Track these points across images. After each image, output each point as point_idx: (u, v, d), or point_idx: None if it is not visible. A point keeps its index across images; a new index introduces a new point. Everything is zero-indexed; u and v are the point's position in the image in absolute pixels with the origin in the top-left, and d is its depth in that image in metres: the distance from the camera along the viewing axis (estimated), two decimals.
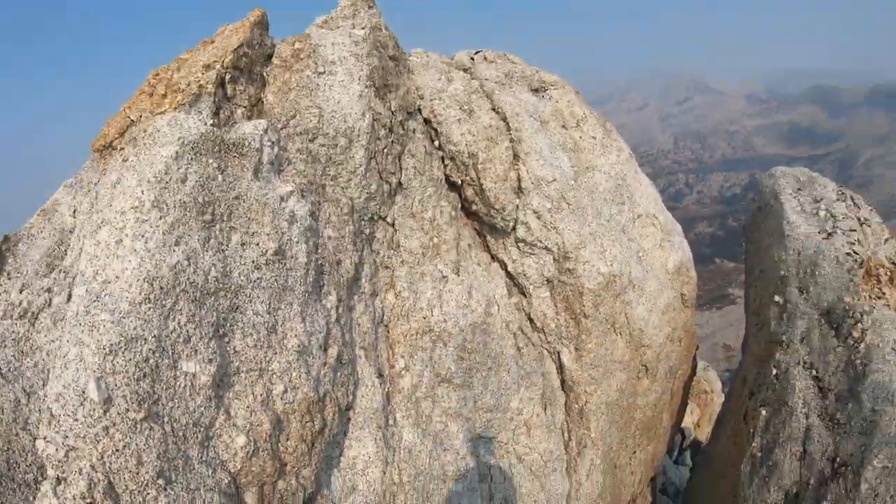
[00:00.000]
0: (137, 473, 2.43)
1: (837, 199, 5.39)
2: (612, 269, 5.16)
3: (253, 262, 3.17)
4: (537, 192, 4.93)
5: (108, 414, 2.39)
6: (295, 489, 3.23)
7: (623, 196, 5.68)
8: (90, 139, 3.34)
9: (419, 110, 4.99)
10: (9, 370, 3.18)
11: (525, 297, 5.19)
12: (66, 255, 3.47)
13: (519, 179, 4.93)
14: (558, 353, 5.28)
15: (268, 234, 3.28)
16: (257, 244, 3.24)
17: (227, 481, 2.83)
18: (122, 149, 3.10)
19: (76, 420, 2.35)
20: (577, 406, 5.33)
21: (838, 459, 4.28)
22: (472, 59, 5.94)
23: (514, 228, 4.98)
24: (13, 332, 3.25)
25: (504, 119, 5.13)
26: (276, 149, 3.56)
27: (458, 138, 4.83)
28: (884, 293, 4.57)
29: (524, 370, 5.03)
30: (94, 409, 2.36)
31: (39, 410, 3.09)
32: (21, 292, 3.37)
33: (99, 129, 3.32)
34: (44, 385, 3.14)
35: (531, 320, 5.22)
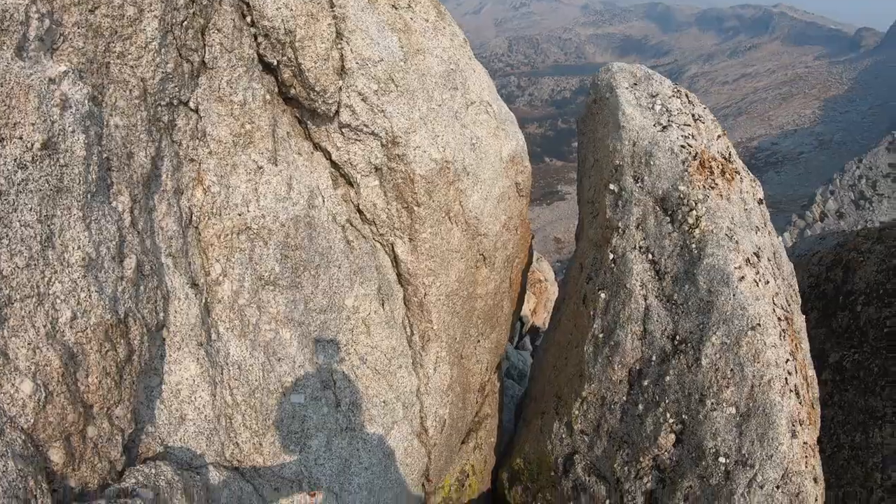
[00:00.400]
0: None
1: (673, 96, 5.54)
2: (445, 156, 4.95)
3: (15, 160, 2.50)
4: (363, 72, 4.50)
5: None
6: (110, 433, 2.74)
7: (456, 81, 5.42)
8: None
9: None
10: None
11: (352, 187, 4.83)
12: None
13: (342, 59, 4.44)
14: (392, 244, 5.06)
15: (33, 125, 2.59)
16: (20, 138, 2.55)
17: (21, 441, 2.28)
18: None
19: None
20: (416, 299, 5.22)
21: (678, 337, 4.59)
22: None
23: (337, 113, 4.52)
24: None
25: None
26: (46, 22, 2.79)
27: (273, 13, 4.20)
28: (717, 184, 4.82)
29: (356, 265, 4.75)
30: None
31: None
32: None
33: None
34: None
35: (360, 212, 4.90)
